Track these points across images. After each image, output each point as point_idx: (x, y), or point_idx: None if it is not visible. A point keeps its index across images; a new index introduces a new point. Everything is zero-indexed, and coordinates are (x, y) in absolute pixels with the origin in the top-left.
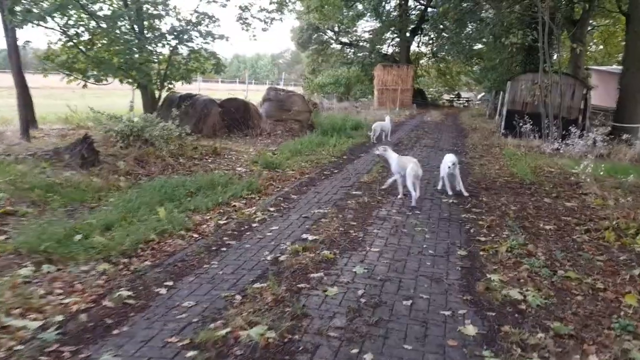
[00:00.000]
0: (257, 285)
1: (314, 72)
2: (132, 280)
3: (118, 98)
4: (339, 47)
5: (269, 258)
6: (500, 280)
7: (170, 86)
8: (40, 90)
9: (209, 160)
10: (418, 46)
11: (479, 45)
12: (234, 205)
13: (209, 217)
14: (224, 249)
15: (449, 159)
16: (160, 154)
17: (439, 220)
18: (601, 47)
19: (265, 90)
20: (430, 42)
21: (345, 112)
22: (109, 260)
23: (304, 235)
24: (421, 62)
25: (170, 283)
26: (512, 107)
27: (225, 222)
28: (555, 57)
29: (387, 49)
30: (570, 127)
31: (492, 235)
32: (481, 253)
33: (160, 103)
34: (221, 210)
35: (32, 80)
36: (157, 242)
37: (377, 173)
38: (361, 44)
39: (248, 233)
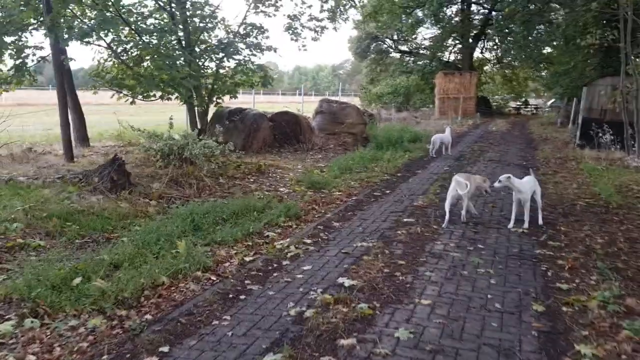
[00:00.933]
0: (268, 357)
1: (372, 82)
2: (122, 342)
3: (182, 113)
4: (398, 55)
5: (292, 313)
6: (595, 355)
7: (219, 101)
8: (108, 107)
9: (251, 180)
10: (482, 52)
11: (548, 49)
12: (267, 236)
13: (235, 251)
14: (243, 297)
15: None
16: (199, 174)
17: (507, 258)
18: None
19: (318, 102)
20: (495, 47)
21: (404, 123)
22: (105, 312)
23: (340, 280)
24: (485, 68)
25: (166, 349)
26: (588, 115)
27: (252, 258)
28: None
29: (449, 56)
30: None
31: (577, 280)
32: (564, 309)
33: (210, 118)
34: (250, 243)
35: (98, 97)
36: (167, 286)
37: (434, 195)
38: (421, 51)
39: (275, 274)
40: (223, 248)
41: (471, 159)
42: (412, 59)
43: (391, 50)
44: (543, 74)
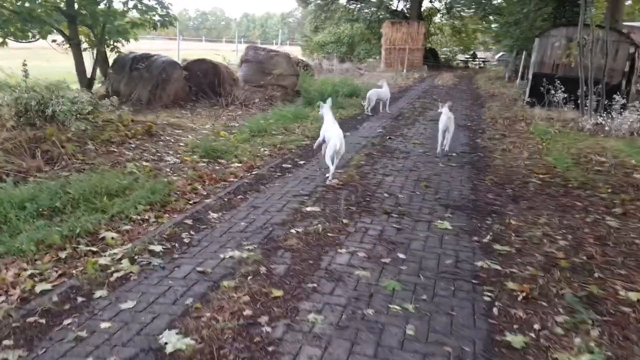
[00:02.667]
0: None
1: (316, 31)
2: None
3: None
4: (344, 2)
5: None
6: None
7: (117, 45)
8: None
9: (132, 146)
10: (431, 1)
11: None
12: (102, 238)
13: (32, 271)
14: None
15: None
16: (61, 137)
17: (436, 277)
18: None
19: (244, 50)
20: None
21: (346, 75)
22: None
23: (163, 337)
24: (434, 18)
25: None
26: (539, 69)
27: (47, 287)
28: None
29: (397, 4)
30: (613, 96)
31: (535, 325)
32: None
33: (110, 66)
34: (68, 252)
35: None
36: None
37: (356, 168)
38: None
39: (68, 322)
40: (19, 264)
41: (410, 118)
42: (359, 6)
43: None
44: (493, 26)
